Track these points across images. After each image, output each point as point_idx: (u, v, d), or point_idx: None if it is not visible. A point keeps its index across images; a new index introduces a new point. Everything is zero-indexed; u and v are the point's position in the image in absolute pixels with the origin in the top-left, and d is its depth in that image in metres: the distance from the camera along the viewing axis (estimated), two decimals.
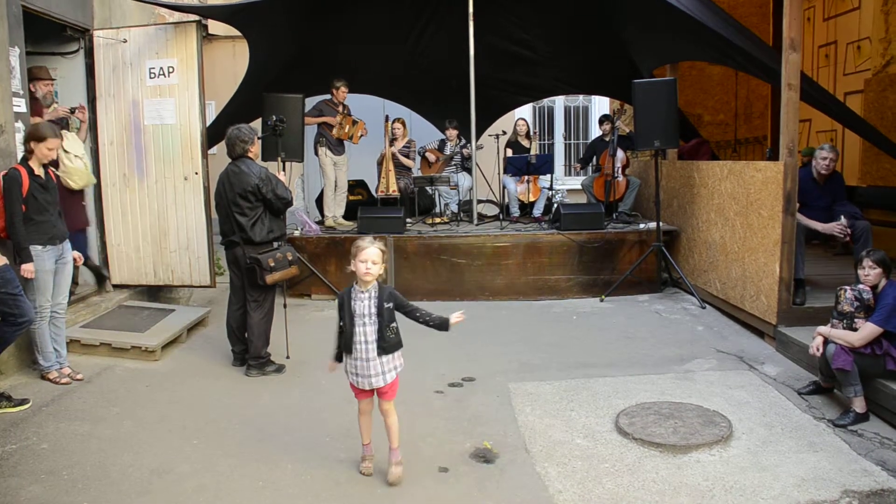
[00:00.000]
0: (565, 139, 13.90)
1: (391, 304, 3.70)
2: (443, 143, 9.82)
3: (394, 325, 3.71)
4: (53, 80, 6.41)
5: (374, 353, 3.68)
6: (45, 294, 5.19)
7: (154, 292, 7.34)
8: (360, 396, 3.85)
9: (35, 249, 5.03)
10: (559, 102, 13.78)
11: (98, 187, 6.95)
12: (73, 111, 6.41)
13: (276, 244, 5.56)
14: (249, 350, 5.57)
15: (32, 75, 5.99)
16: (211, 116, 8.17)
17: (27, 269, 4.94)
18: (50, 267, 5.19)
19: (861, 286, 4.57)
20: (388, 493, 3.70)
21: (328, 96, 8.64)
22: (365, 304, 3.67)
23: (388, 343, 3.68)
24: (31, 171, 5.02)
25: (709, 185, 7.20)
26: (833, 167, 6.10)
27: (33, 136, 5.00)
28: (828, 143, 6.25)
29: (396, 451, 3.83)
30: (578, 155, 13.54)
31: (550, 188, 9.57)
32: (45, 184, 5.15)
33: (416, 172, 9.69)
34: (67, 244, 5.41)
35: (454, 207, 9.45)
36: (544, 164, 9.10)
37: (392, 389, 3.79)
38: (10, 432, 4.40)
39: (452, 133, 9.61)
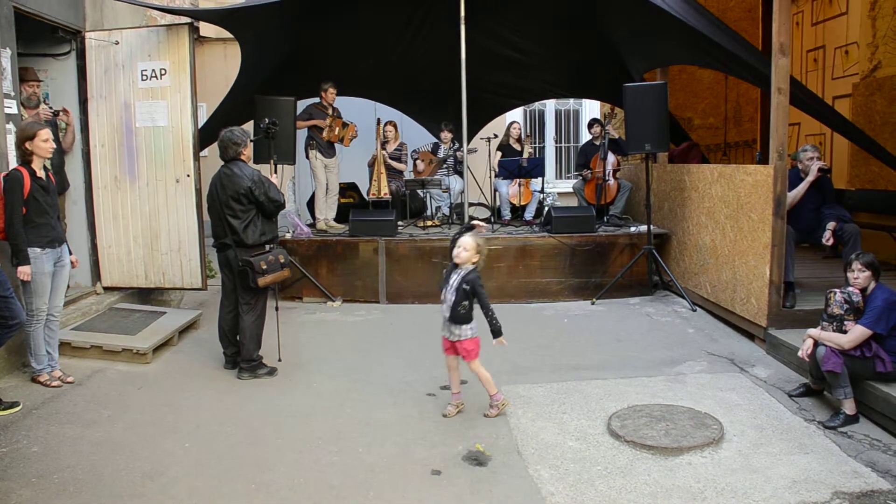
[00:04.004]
0: (556, 143, 13.94)
1: (468, 287, 4.50)
2: (436, 145, 9.84)
3: (465, 303, 4.52)
4: (40, 81, 6.39)
5: (449, 316, 4.58)
6: (42, 297, 5.17)
7: (145, 295, 7.31)
8: (446, 353, 4.74)
9: (34, 252, 5.02)
10: (550, 106, 13.82)
11: (89, 189, 6.92)
12: (56, 114, 6.40)
13: (268, 247, 5.55)
14: (241, 353, 5.55)
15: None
16: (202, 119, 8.15)
17: (24, 272, 4.93)
18: (48, 270, 5.17)
19: (850, 289, 4.60)
20: (380, 496, 3.70)
21: (318, 99, 8.65)
22: (454, 278, 4.57)
23: (456, 315, 4.54)
24: (32, 173, 5.01)
25: (699, 189, 7.23)
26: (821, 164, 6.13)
27: (25, 137, 4.98)
28: (810, 145, 6.28)
29: (494, 396, 4.73)
30: (569, 158, 13.59)
31: (542, 191, 9.59)
32: (45, 186, 5.13)
33: (408, 175, 9.70)
34: (65, 247, 5.39)
35: (445, 210, 9.47)
36: (536, 168, 9.13)
37: (468, 352, 4.61)
38: (0, 436, 4.38)
39: (447, 136, 9.62)
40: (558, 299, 7.83)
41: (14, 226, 4.89)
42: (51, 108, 6.37)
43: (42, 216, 5.08)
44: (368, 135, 9.50)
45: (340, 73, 8.98)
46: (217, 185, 5.42)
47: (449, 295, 4.56)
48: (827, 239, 5.92)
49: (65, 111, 6.57)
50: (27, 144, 4.97)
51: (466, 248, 4.53)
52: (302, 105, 8.55)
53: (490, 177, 9.58)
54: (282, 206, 5.57)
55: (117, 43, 6.79)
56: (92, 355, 5.84)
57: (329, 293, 7.87)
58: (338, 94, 8.68)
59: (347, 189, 9.74)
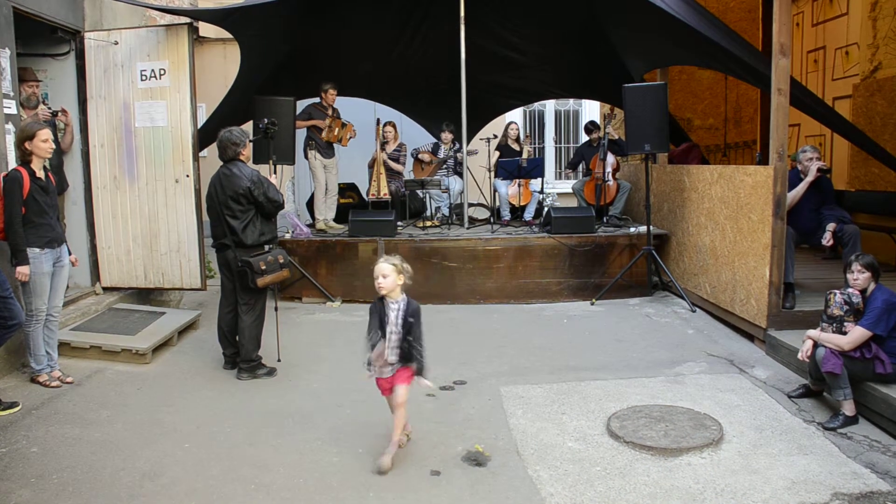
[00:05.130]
0: (556, 143, 13.94)
1: (413, 320, 4.01)
2: (436, 146, 9.84)
3: (410, 337, 3.99)
4: (39, 81, 6.39)
5: (398, 358, 4.00)
6: (41, 297, 5.16)
7: (144, 295, 7.31)
8: (386, 394, 4.16)
9: (33, 252, 5.01)
10: (549, 106, 13.83)
11: (88, 189, 6.92)
12: (54, 114, 6.40)
13: (267, 247, 5.56)
14: (240, 353, 5.55)
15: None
16: (202, 119, 8.15)
17: (22, 273, 4.92)
18: (48, 270, 5.16)
19: (850, 290, 4.60)
20: (379, 497, 3.70)
21: (317, 99, 8.65)
22: (393, 315, 3.98)
23: (406, 354, 4.00)
24: (32, 174, 5.00)
25: (699, 189, 7.23)
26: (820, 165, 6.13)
27: (24, 137, 4.98)
28: (809, 146, 6.28)
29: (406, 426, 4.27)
30: (569, 159, 13.60)
31: (541, 192, 9.59)
32: (45, 186, 5.13)
33: (408, 175, 9.70)
34: (65, 247, 5.39)
35: (445, 211, 9.46)
36: (535, 168, 9.13)
37: (410, 376, 4.07)
38: None
39: (447, 136, 9.62)
40: (558, 300, 7.83)
41: (13, 226, 4.89)
42: (49, 108, 6.37)
43: (41, 216, 5.08)
44: (368, 135, 9.50)
45: (340, 73, 8.98)
46: (216, 185, 5.42)
47: (395, 335, 3.98)
48: (827, 240, 5.92)
49: (63, 111, 6.57)
50: (26, 144, 4.97)
51: (386, 274, 3.93)
52: (301, 105, 8.56)
53: (490, 177, 9.58)
54: (281, 206, 5.57)
55: (116, 43, 6.79)
56: (91, 356, 5.83)
57: (328, 293, 7.86)
58: (337, 95, 8.68)
59: (347, 189, 9.74)
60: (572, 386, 5.24)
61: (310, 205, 9.24)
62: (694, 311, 7.16)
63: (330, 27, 8.51)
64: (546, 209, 8.84)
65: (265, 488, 3.79)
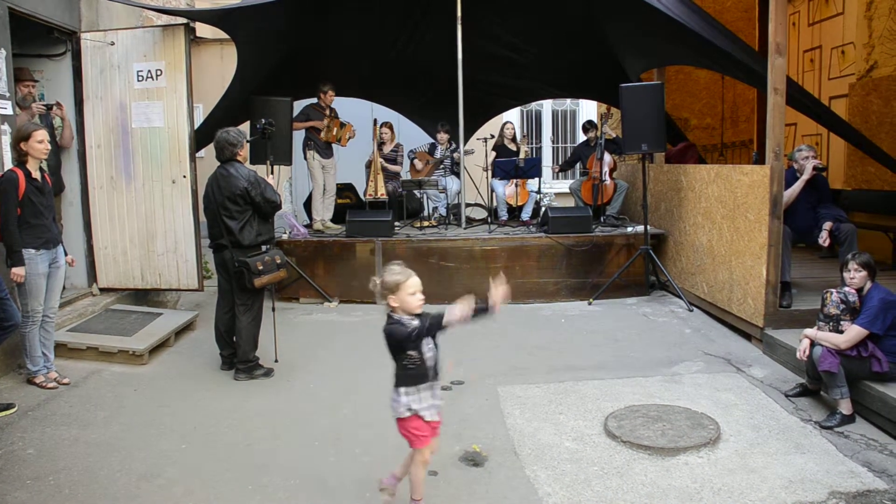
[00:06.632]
0: (553, 143, 13.95)
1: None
2: (433, 146, 9.84)
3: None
4: (35, 81, 6.38)
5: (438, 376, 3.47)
6: (37, 298, 5.15)
7: (141, 296, 7.30)
8: (426, 442, 3.36)
9: (29, 253, 5.00)
10: (547, 106, 13.85)
11: (85, 190, 6.91)
12: (49, 108, 6.38)
13: (264, 247, 5.55)
14: (237, 354, 5.54)
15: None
16: (199, 119, 8.14)
17: (17, 274, 4.90)
18: (43, 271, 5.15)
19: (847, 289, 4.60)
20: (376, 497, 3.69)
21: (315, 100, 8.65)
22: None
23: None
24: (27, 174, 4.99)
25: (696, 189, 7.24)
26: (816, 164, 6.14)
27: (20, 138, 4.98)
28: (805, 145, 6.29)
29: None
30: (566, 157, 13.61)
31: (538, 191, 9.59)
32: (41, 187, 5.12)
33: (405, 176, 9.70)
34: (61, 248, 5.38)
35: (442, 211, 9.47)
36: (532, 168, 9.13)
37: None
38: None
39: (443, 137, 9.63)
40: (555, 300, 7.83)
41: (9, 227, 4.88)
42: (44, 103, 6.35)
43: (37, 217, 5.06)
44: (365, 136, 9.50)
45: (337, 73, 8.98)
46: (213, 185, 5.41)
47: (431, 353, 3.54)
48: (823, 239, 5.93)
49: (58, 105, 6.54)
50: (22, 145, 4.97)
51: (420, 288, 3.53)
52: (299, 106, 8.55)
53: (487, 177, 9.59)
54: (278, 206, 5.57)
55: (113, 44, 6.78)
56: (88, 357, 5.82)
57: (326, 294, 7.86)
58: (335, 95, 8.68)
59: (344, 190, 9.74)
60: (570, 386, 5.23)
61: (307, 205, 9.23)
62: (691, 311, 7.16)
63: (328, 27, 8.50)
64: (543, 209, 8.84)
65: (262, 489, 3.79)
